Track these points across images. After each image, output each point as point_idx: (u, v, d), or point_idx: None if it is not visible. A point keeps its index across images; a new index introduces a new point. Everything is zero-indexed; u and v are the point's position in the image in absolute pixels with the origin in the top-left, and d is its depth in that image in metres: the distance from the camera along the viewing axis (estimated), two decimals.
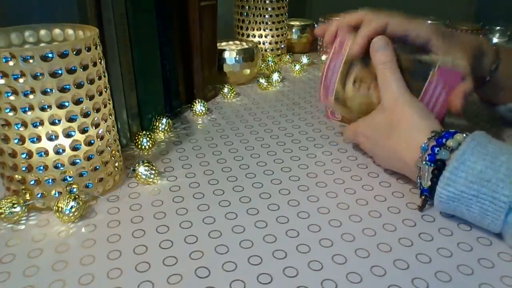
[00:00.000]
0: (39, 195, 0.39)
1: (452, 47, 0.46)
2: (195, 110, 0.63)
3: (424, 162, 0.37)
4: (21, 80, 0.34)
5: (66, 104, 0.36)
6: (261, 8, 0.84)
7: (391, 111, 0.42)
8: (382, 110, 0.43)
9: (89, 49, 0.37)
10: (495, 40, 0.87)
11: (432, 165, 0.36)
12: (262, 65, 0.83)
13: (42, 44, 0.42)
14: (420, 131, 0.39)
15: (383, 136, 0.43)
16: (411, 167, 0.40)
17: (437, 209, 0.38)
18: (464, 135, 0.37)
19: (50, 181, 0.38)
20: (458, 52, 0.46)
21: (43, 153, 0.37)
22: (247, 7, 0.85)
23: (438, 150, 0.36)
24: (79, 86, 0.37)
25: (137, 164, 0.44)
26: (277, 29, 0.87)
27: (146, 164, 0.44)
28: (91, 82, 0.38)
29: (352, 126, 0.49)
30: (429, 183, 0.37)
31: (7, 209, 0.37)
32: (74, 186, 0.39)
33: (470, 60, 0.46)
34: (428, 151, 0.37)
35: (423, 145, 0.38)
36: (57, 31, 0.42)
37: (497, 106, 0.55)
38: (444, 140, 0.37)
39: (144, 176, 0.44)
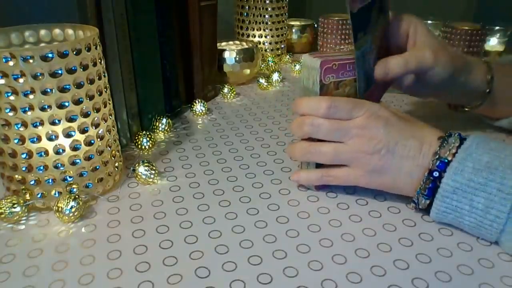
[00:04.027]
0: (39, 195, 0.39)
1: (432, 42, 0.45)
2: (195, 110, 0.63)
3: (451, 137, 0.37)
4: (21, 80, 0.34)
5: (66, 104, 0.36)
6: (261, 8, 0.84)
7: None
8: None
9: (89, 49, 0.37)
10: (495, 40, 0.87)
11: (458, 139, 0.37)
12: (262, 65, 0.83)
13: (42, 44, 0.42)
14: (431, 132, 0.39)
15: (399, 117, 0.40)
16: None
17: (436, 212, 0.37)
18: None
19: (50, 181, 0.38)
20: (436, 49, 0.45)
21: (43, 153, 0.37)
22: (247, 7, 0.85)
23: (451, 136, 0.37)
24: (79, 86, 0.37)
25: (137, 164, 0.44)
26: (277, 29, 0.87)
27: (146, 164, 0.44)
28: (91, 82, 0.38)
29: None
30: (450, 157, 0.36)
31: (7, 209, 0.37)
32: (74, 186, 0.39)
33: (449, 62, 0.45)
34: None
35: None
36: (57, 31, 0.42)
37: (498, 120, 0.54)
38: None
39: (144, 176, 0.44)
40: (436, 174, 0.36)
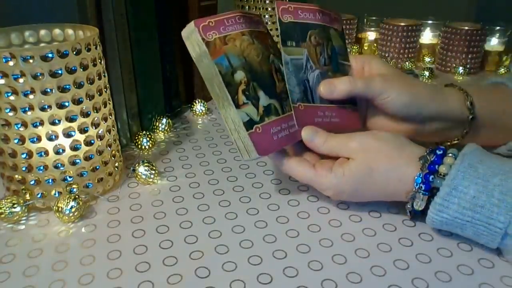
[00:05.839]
0: (39, 195, 0.39)
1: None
2: (195, 110, 0.63)
3: (420, 193, 0.36)
4: (21, 80, 0.34)
5: (66, 104, 0.36)
6: (261, 8, 0.84)
7: (364, 152, 0.38)
8: (354, 158, 0.38)
9: (89, 49, 0.37)
10: (495, 40, 0.87)
11: (428, 193, 0.36)
12: None
13: (42, 44, 0.42)
14: (407, 164, 0.37)
15: (366, 182, 0.38)
16: (402, 198, 0.38)
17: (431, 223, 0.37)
18: (451, 154, 0.36)
19: (50, 181, 0.38)
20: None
21: (43, 153, 0.37)
22: (247, 7, 0.85)
23: (432, 178, 0.35)
24: (79, 86, 0.37)
25: (137, 164, 0.44)
26: (277, 29, 0.87)
27: (146, 164, 0.44)
28: (91, 82, 0.38)
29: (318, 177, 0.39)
30: (422, 208, 0.36)
31: (7, 209, 0.37)
32: (74, 186, 0.39)
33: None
34: (423, 180, 0.36)
35: (417, 177, 0.36)
36: (57, 31, 0.42)
37: (496, 148, 0.50)
38: (436, 167, 0.36)
39: (144, 176, 0.44)
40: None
